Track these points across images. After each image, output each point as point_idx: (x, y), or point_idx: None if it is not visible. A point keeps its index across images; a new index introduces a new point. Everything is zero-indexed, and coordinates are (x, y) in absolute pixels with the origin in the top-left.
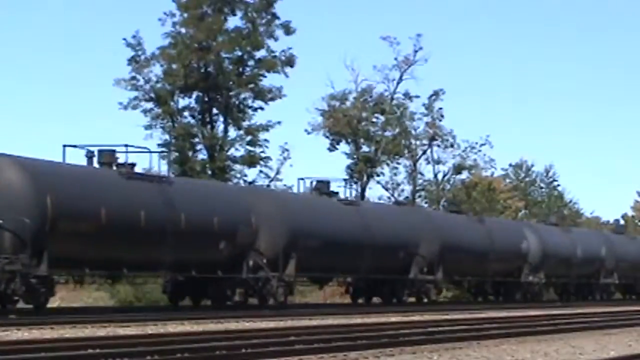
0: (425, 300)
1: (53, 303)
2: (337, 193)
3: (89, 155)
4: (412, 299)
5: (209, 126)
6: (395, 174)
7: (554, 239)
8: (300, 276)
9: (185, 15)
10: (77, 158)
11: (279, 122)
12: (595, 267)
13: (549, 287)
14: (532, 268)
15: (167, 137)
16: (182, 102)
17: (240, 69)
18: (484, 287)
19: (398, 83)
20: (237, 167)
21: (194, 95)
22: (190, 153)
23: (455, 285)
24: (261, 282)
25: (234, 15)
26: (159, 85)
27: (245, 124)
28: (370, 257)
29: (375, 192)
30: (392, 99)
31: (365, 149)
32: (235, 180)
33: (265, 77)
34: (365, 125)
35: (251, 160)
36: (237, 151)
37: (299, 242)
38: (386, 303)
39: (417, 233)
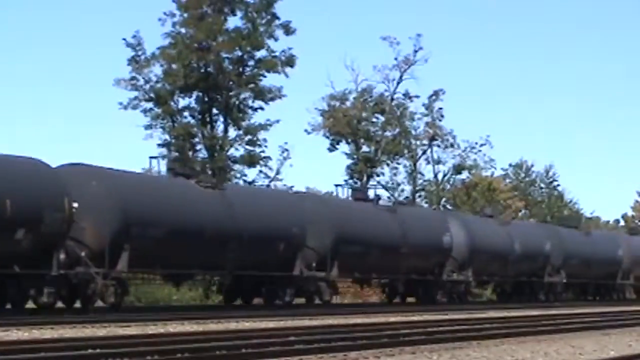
0: (319, 302)
1: None
2: (199, 174)
3: None
4: (301, 300)
5: (209, 126)
6: (395, 174)
7: (486, 232)
8: (136, 272)
9: (185, 15)
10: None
11: (277, 121)
12: (538, 264)
13: (481, 286)
14: (457, 265)
15: (167, 137)
16: (182, 102)
17: (240, 69)
18: (395, 286)
19: (398, 83)
20: (237, 167)
21: (194, 95)
22: (190, 153)
23: (359, 284)
24: (79, 280)
25: (234, 15)
26: (159, 85)
27: (244, 123)
28: (238, 251)
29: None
30: (392, 99)
31: (365, 149)
32: (235, 181)
33: (265, 77)
34: (365, 125)
35: (251, 160)
36: (237, 151)
37: (133, 230)
38: (268, 305)
39: (304, 222)
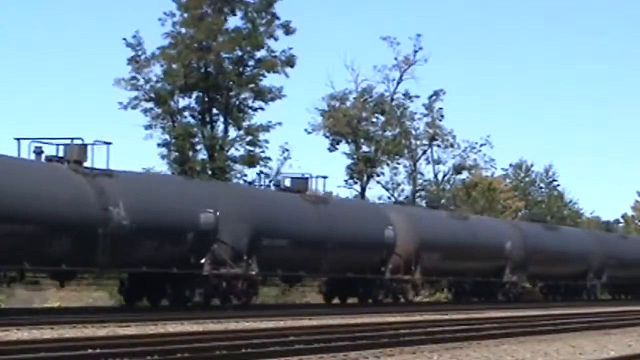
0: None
1: (53, 303)
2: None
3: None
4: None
5: (209, 126)
6: (395, 174)
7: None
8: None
9: (185, 15)
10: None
11: (279, 123)
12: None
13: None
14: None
15: (167, 137)
16: (182, 102)
17: (240, 69)
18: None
19: (398, 83)
20: (237, 167)
21: (194, 95)
22: (190, 153)
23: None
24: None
25: (234, 15)
26: (159, 85)
27: (245, 124)
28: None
29: (375, 192)
30: (392, 99)
31: (365, 149)
32: (235, 180)
33: (266, 77)
34: (365, 125)
35: (251, 161)
36: (237, 151)
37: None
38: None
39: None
